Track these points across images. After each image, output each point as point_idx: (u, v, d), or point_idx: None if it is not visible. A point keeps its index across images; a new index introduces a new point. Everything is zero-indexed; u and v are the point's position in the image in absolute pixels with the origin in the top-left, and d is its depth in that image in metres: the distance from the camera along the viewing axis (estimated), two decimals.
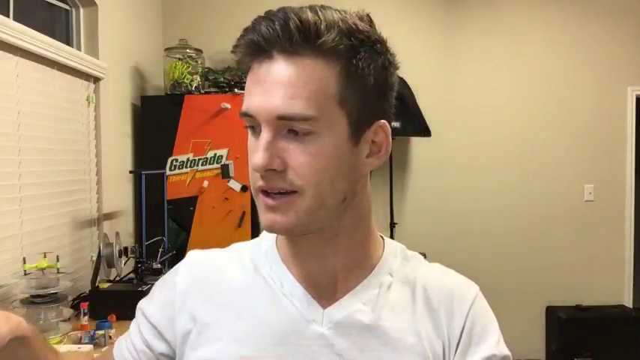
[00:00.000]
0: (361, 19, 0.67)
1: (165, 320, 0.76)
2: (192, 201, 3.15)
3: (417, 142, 4.06)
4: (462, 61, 4.11)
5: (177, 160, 3.17)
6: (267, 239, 0.79)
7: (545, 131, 4.08)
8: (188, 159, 3.16)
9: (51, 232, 2.30)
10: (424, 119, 3.81)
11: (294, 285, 0.73)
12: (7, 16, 2.10)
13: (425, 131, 3.82)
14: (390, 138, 0.71)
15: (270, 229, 0.68)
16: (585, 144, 4.10)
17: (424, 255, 0.84)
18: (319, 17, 0.63)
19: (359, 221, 0.74)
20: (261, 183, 0.66)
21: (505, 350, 0.74)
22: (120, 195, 3.03)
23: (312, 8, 0.64)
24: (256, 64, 0.66)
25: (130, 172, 3.12)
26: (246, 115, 0.67)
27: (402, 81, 3.77)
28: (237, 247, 0.81)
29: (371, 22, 0.69)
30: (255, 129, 0.67)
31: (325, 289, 0.73)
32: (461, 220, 4.00)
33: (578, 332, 3.62)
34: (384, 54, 0.70)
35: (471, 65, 4.10)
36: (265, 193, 0.67)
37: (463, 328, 0.73)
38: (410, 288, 0.75)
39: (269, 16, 0.64)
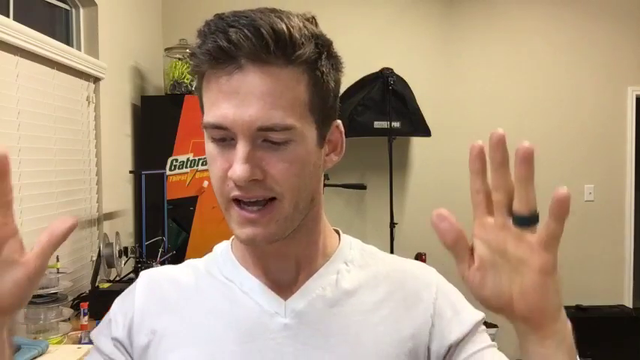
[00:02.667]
0: (310, 21, 0.68)
1: (126, 334, 0.75)
2: (192, 201, 3.16)
3: (417, 142, 4.06)
4: (461, 62, 4.11)
5: (177, 160, 3.17)
6: (220, 245, 0.81)
7: (545, 131, 4.08)
8: (188, 159, 3.16)
9: None
10: (424, 119, 3.81)
11: (253, 282, 0.74)
12: (7, 16, 2.10)
13: (425, 131, 3.82)
14: (344, 136, 0.75)
15: (252, 242, 0.68)
16: (585, 144, 4.10)
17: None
18: (289, 26, 0.62)
19: (318, 216, 0.76)
20: (237, 193, 0.65)
21: (479, 314, 0.76)
22: (120, 195, 3.03)
23: (276, 14, 0.63)
24: (221, 72, 0.63)
25: (130, 172, 3.12)
26: (216, 127, 0.64)
27: (402, 81, 3.77)
28: (189, 261, 0.82)
29: (317, 24, 0.70)
30: (225, 140, 0.65)
31: (285, 282, 0.74)
32: (461, 220, 3.98)
33: (579, 332, 3.61)
34: (335, 56, 0.70)
35: (471, 65, 4.10)
36: (239, 204, 0.66)
37: (434, 309, 0.75)
38: (370, 272, 0.77)
39: (232, 23, 0.62)
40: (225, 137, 0.65)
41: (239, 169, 0.63)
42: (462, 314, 0.75)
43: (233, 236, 0.77)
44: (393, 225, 3.59)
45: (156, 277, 0.79)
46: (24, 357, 1.52)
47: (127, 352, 0.74)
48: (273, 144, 0.64)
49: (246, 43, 0.61)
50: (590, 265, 4.08)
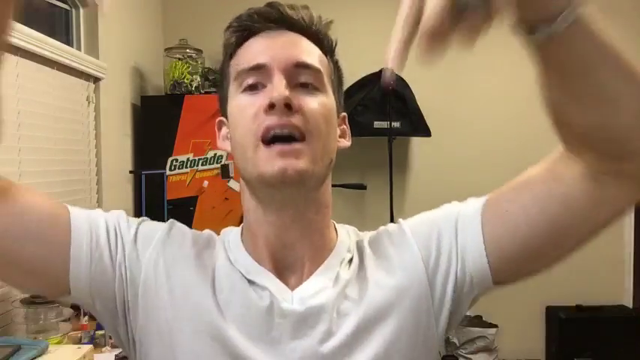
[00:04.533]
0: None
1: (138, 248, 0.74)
2: (192, 201, 3.16)
3: (417, 142, 4.06)
4: (462, 61, 4.11)
5: (177, 160, 3.17)
6: (230, 233, 0.82)
7: (546, 131, 4.05)
8: (188, 159, 3.16)
9: None
10: (424, 119, 3.81)
11: (262, 273, 0.74)
12: None
13: (425, 131, 3.82)
14: (349, 129, 0.81)
15: (283, 174, 0.67)
16: None
17: None
18: (316, 16, 0.76)
19: (326, 209, 0.78)
20: (271, 121, 0.67)
21: (455, 205, 0.79)
22: (120, 195, 3.03)
23: (303, 6, 0.76)
24: (261, 32, 0.72)
25: (130, 172, 3.12)
26: (253, 68, 0.70)
27: (402, 81, 3.77)
28: (211, 236, 0.83)
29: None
30: (257, 88, 0.70)
31: (292, 274, 0.75)
32: None
33: (579, 332, 3.61)
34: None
35: (471, 65, 4.10)
36: (269, 143, 0.68)
37: (420, 251, 0.75)
38: (362, 254, 0.79)
39: (272, 4, 0.73)
40: (257, 84, 0.70)
41: (278, 90, 0.67)
42: (442, 227, 0.76)
43: (241, 227, 0.80)
44: None
45: (182, 231, 0.80)
46: (24, 357, 1.51)
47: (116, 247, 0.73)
48: (304, 88, 0.70)
49: (290, 13, 0.72)
50: (590, 265, 4.08)
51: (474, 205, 0.75)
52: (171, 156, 3.16)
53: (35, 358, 1.56)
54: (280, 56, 0.69)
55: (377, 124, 3.71)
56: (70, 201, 2.50)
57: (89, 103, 2.71)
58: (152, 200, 2.96)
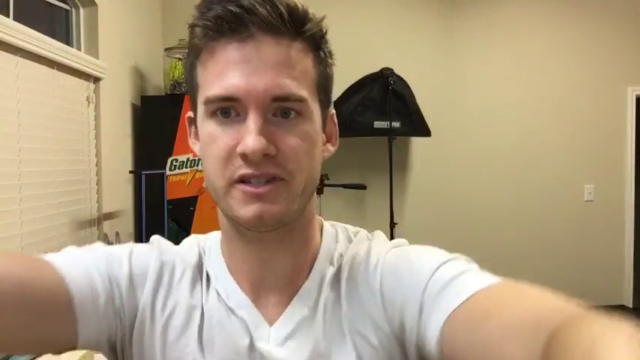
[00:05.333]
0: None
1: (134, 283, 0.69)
2: (192, 201, 3.15)
3: (417, 142, 4.06)
4: (461, 61, 4.11)
5: (177, 160, 3.17)
6: (211, 239, 0.75)
7: (546, 131, 4.08)
8: (188, 159, 3.16)
9: (51, 232, 2.30)
10: (424, 119, 3.81)
11: (240, 297, 0.69)
12: (7, 16, 2.10)
13: (425, 131, 3.82)
14: (337, 127, 0.72)
15: (259, 221, 0.61)
16: (585, 144, 4.11)
17: None
18: (300, 3, 0.61)
19: (311, 215, 0.71)
20: (246, 170, 0.60)
21: (446, 257, 0.65)
22: (120, 195, 3.03)
23: None
24: (229, 41, 0.60)
25: (130, 172, 3.12)
26: (225, 99, 0.60)
27: (402, 81, 3.77)
28: (195, 248, 0.75)
29: None
30: (230, 115, 0.61)
31: (271, 295, 0.69)
32: (461, 220, 4.00)
33: None
34: (329, 44, 0.68)
35: (471, 65, 4.10)
36: (244, 183, 0.61)
37: (381, 291, 0.66)
38: (339, 285, 0.70)
39: None
40: (229, 110, 0.61)
41: (253, 141, 0.58)
42: (422, 271, 0.64)
43: (220, 235, 0.73)
44: (393, 225, 3.59)
45: (168, 265, 0.72)
46: (24, 357, 1.51)
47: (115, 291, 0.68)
48: (283, 119, 0.61)
49: (261, 10, 0.58)
50: (590, 265, 4.08)
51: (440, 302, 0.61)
52: (171, 156, 3.16)
53: (35, 357, 1.56)
54: (255, 88, 0.59)
55: (377, 124, 3.71)
56: (70, 201, 2.51)
57: (89, 103, 2.71)
58: (152, 200, 2.96)
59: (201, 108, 0.63)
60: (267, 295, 0.69)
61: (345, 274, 0.70)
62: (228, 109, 0.61)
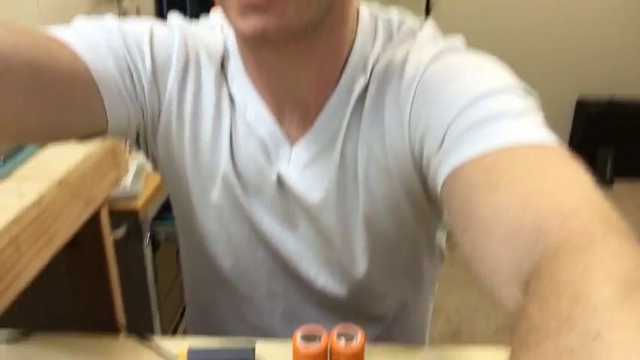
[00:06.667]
0: None
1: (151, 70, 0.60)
2: None
3: None
4: None
5: None
6: (231, 37, 0.62)
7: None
8: None
9: (69, 3, 2.24)
10: None
11: (259, 110, 0.61)
12: None
13: None
14: None
15: (262, 37, 0.48)
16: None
17: None
18: None
19: (343, 6, 0.56)
20: None
21: (497, 84, 0.50)
22: None
23: None
24: None
25: None
26: None
27: None
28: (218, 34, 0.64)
29: None
30: None
31: (294, 111, 0.60)
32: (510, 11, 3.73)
33: (606, 126, 3.56)
34: None
35: None
36: None
37: (410, 115, 0.55)
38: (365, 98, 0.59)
39: None
40: None
41: None
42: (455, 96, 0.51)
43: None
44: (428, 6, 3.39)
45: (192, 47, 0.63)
46: (29, 148, 1.56)
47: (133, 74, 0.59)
48: None
49: None
50: (626, 55, 3.89)
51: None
52: None
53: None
54: None
55: None
56: None
57: None
58: None
59: None
60: (289, 113, 0.60)
61: (373, 89, 0.58)
62: None
